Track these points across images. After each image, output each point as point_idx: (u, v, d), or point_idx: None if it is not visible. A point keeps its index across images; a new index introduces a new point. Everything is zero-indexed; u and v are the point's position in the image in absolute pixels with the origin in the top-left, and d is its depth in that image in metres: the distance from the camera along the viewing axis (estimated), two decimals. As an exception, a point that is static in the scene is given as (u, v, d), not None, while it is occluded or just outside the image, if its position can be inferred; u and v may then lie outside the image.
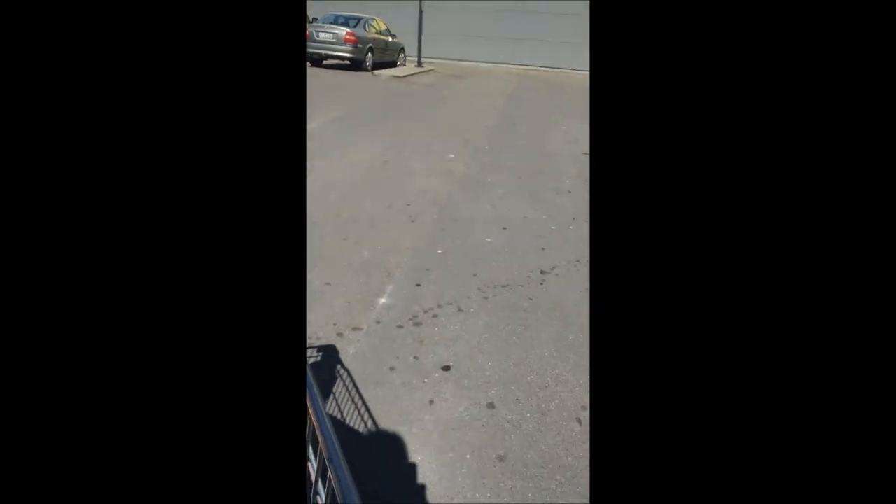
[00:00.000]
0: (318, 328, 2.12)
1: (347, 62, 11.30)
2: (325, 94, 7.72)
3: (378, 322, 2.19)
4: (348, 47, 10.99)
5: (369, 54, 11.61)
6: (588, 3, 17.99)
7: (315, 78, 9.50)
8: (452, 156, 4.91)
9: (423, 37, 13.90)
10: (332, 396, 1.77)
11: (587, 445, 1.62)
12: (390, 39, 12.83)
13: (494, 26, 17.81)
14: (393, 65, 13.24)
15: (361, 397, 1.76)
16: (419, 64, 13.64)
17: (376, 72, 11.26)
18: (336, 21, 11.72)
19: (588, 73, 15.81)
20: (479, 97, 9.22)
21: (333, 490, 0.53)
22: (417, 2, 13.74)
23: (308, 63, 11.30)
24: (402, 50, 13.65)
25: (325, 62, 11.51)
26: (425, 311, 2.30)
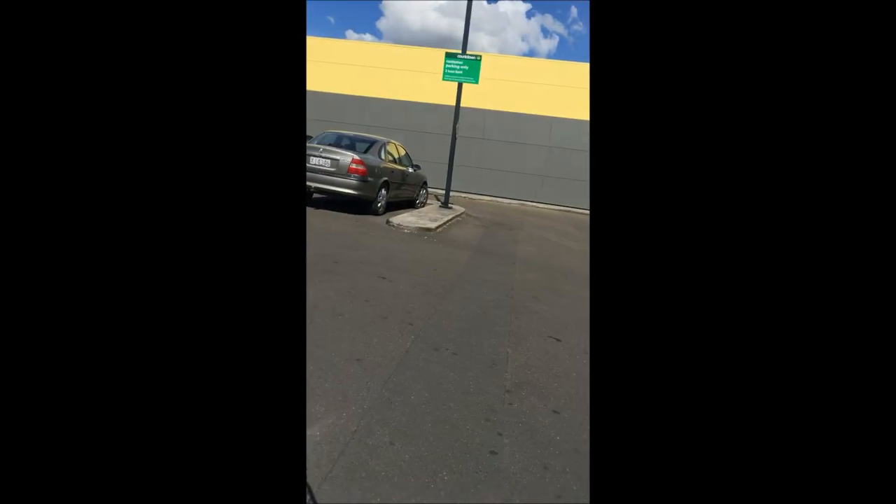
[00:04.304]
0: None
1: (351, 199, 7.58)
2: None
3: None
4: (354, 180, 7.27)
5: (383, 190, 7.89)
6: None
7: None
8: None
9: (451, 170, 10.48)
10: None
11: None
12: (410, 170, 9.27)
13: (510, 159, 15.04)
14: (411, 204, 9.58)
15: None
16: (445, 204, 10.06)
17: (393, 219, 7.45)
18: (339, 142, 8.19)
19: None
20: (580, 285, 5.26)
21: None
22: (451, 127, 10.43)
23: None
24: (424, 184, 10.14)
25: (315, 195, 7.77)
26: None
